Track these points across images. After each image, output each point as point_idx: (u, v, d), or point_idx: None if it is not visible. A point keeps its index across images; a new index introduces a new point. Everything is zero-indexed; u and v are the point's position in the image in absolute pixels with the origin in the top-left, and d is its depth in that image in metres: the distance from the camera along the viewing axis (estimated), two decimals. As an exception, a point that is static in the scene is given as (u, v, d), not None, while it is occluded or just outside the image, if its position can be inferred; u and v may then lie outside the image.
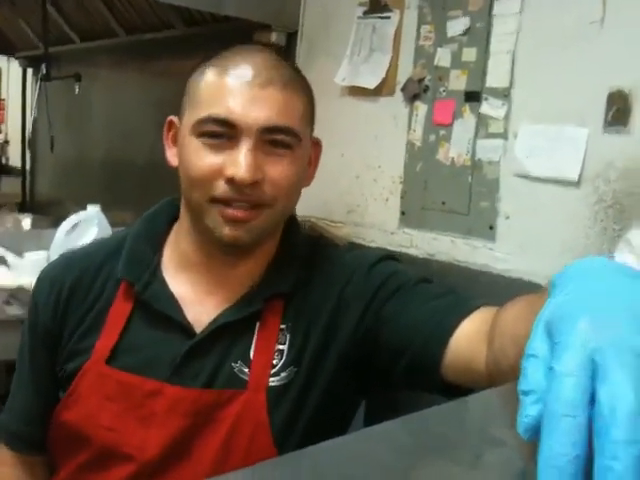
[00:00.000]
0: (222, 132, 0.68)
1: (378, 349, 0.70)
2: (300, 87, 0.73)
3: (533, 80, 1.31)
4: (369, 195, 1.64)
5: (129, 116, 2.66)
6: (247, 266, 0.74)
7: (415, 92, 1.51)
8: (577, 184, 1.23)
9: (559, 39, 1.27)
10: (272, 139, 0.69)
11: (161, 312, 0.71)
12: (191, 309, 0.72)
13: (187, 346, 0.70)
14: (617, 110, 1.17)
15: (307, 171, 0.77)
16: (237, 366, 0.70)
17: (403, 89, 1.53)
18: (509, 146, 1.35)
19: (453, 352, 0.63)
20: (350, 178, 1.69)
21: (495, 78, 1.36)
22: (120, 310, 0.72)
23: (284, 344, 0.71)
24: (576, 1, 1.24)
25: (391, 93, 1.56)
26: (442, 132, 1.46)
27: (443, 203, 1.47)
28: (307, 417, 0.70)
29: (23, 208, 3.47)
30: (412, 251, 1.54)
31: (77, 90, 2.43)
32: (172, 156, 0.75)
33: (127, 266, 0.73)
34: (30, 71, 3.36)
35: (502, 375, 0.51)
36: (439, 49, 1.46)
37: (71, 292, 0.75)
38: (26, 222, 3.00)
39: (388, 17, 1.56)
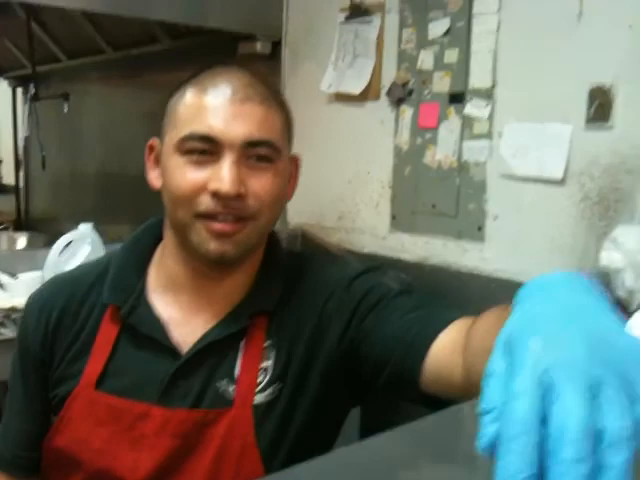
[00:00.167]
0: (205, 148, 0.69)
1: (360, 362, 0.71)
2: (278, 104, 0.74)
3: (515, 78, 1.32)
4: (360, 200, 1.66)
5: (120, 130, 2.68)
6: (231, 283, 0.75)
7: (400, 96, 1.52)
8: (562, 182, 1.24)
9: (538, 35, 1.28)
10: (254, 153, 0.70)
11: (147, 335, 0.72)
12: (177, 330, 0.73)
13: (173, 368, 0.71)
14: (599, 105, 1.19)
15: (288, 186, 0.78)
16: (223, 384, 0.71)
17: (388, 93, 1.55)
18: (494, 146, 1.36)
19: (431, 364, 0.64)
20: (340, 184, 1.70)
21: (478, 78, 1.37)
22: (107, 335, 0.73)
23: (269, 361, 0.72)
24: (554, -1, 1.25)
25: (376, 98, 1.58)
26: (428, 135, 1.47)
27: (433, 206, 1.48)
28: (294, 432, 0.71)
29: (18, 226, 3.49)
30: (404, 255, 1.55)
31: (66, 109, 2.44)
32: (154, 178, 0.76)
33: (112, 291, 0.74)
34: (19, 90, 3.39)
35: (475, 388, 0.52)
36: (421, 51, 1.47)
37: (59, 318, 0.76)
38: (21, 240, 3.02)
39: (369, 22, 1.58)
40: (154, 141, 0.76)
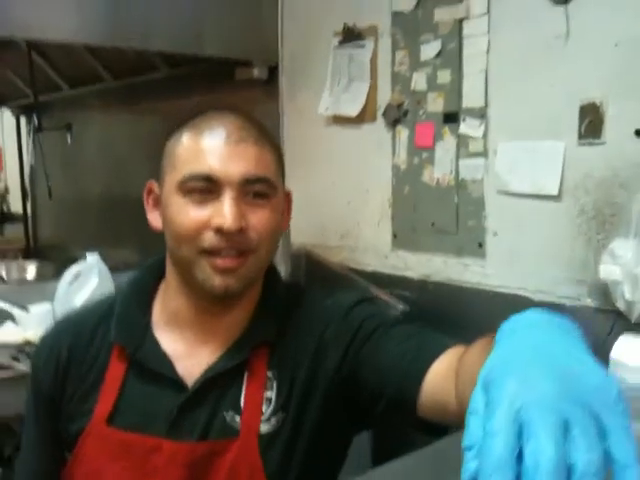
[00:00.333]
0: (205, 188, 0.73)
1: (358, 389, 0.74)
2: (269, 144, 0.78)
3: (507, 97, 1.36)
4: (361, 219, 1.69)
5: (122, 156, 2.74)
6: (233, 316, 0.79)
7: (395, 117, 1.56)
8: (558, 197, 1.27)
9: (528, 55, 1.32)
10: (251, 190, 0.74)
11: (154, 370, 0.76)
12: (182, 363, 0.77)
13: (180, 401, 0.75)
14: (590, 122, 1.22)
15: (283, 220, 0.82)
16: (229, 415, 0.75)
17: (384, 114, 1.59)
18: (490, 164, 1.40)
19: (427, 391, 0.67)
20: (342, 204, 1.74)
21: (471, 98, 1.41)
22: (115, 372, 0.77)
23: (271, 391, 0.76)
24: (540, 17, 1.29)
25: (373, 119, 1.62)
26: (425, 154, 1.51)
27: (432, 224, 1.51)
28: (300, 459, 0.74)
29: (27, 253, 3.56)
30: (407, 273, 1.58)
31: (69, 140, 2.51)
32: (154, 219, 0.80)
33: (119, 330, 0.78)
34: (23, 119, 3.46)
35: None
36: (414, 73, 1.51)
37: (69, 358, 0.80)
38: (31, 269, 3.08)
39: (363, 45, 1.62)
40: (152, 184, 0.80)
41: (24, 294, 1.95)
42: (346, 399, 0.75)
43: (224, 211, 0.71)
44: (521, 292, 1.35)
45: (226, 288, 0.73)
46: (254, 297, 0.81)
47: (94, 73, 2.47)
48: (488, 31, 1.37)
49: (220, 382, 0.75)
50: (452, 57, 1.44)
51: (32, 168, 3.53)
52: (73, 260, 2.90)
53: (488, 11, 1.37)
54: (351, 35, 1.64)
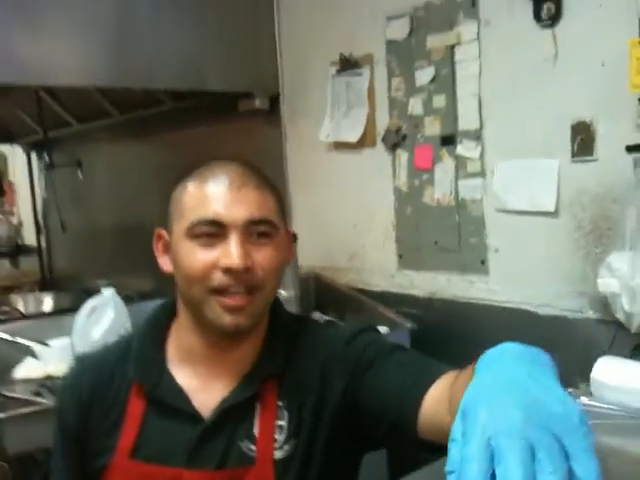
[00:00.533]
0: (212, 231, 0.79)
1: (360, 417, 0.79)
2: (269, 187, 0.85)
3: (501, 119, 1.42)
4: (366, 242, 1.75)
5: (131, 187, 2.83)
6: (242, 350, 0.84)
7: (395, 141, 1.62)
8: (555, 213, 1.32)
9: (518, 77, 1.37)
10: (255, 231, 0.80)
11: (171, 405, 0.81)
12: (197, 397, 0.82)
13: (198, 432, 0.80)
14: (582, 140, 1.27)
15: (285, 256, 0.87)
16: (244, 444, 0.80)
17: (383, 139, 1.65)
18: (488, 183, 1.45)
19: (424, 414, 0.72)
20: (347, 227, 1.79)
21: (466, 121, 1.47)
22: (135, 408, 0.83)
23: (283, 419, 0.81)
24: (528, 41, 1.34)
25: (373, 144, 1.68)
26: (425, 176, 1.57)
27: (436, 243, 1.56)
28: None
29: (43, 285, 3.65)
30: (414, 291, 1.63)
31: (80, 175, 2.59)
32: (164, 263, 0.86)
33: (137, 369, 0.84)
34: (34, 154, 3.57)
35: None
36: (411, 99, 1.57)
37: (90, 397, 0.86)
38: (47, 301, 3.16)
39: (360, 73, 1.69)
40: (160, 231, 0.86)
41: (42, 328, 2.02)
42: (348, 425, 0.80)
43: (231, 251, 0.77)
44: (525, 306, 1.39)
45: (236, 326, 0.79)
46: (261, 331, 0.86)
47: (102, 109, 2.56)
48: (479, 56, 1.43)
49: (234, 414, 0.81)
50: (446, 82, 1.50)
51: (44, 202, 3.63)
52: (88, 290, 2.99)
53: (478, 37, 1.42)
54: (348, 64, 1.71)
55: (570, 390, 1.08)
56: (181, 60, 1.85)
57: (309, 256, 1.83)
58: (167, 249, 0.85)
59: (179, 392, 0.82)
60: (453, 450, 0.43)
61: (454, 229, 1.52)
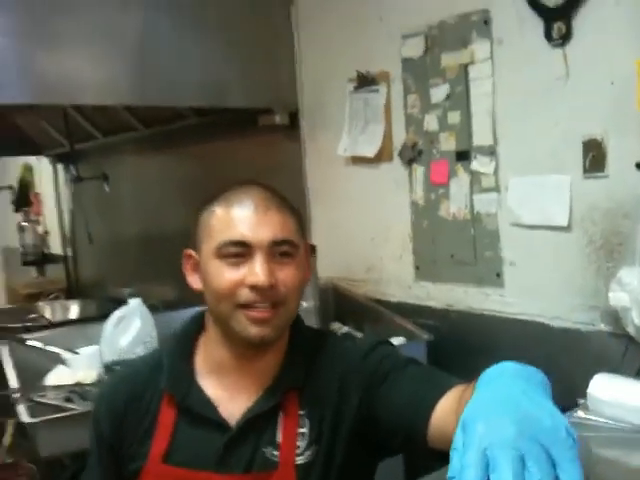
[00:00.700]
0: (239, 252, 0.87)
1: (374, 428, 0.86)
2: (290, 210, 0.92)
3: (514, 135, 1.47)
4: (384, 254, 1.81)
5: (155, 198, 2.93)
6: (266, 361, 0.92)
7: (411, 156, 1.68)
8: (568, 228, 1.37)
9: (531, 95, 1.42)
10: (278, 251, 0.87)
11: (201, 414, 0.89)
12: (224, 407, 0.90)
13: (225, 439, 0.87)
14: (593, 157, 1.32)
15: (305, 275, 0.95)
16: (268, 450, 0.87)
17: (400, 154, 1.71)
18: (502, 198, 1.50)
19: (435, 425, 0.78)
20: (365, 240, 1.86)
21: (480, 137, 1.52)
22: (167, 417, 0.90)
23: (304, 427, 0.88)
24: (540, 61, 1.40)
25: (390, 159, 1.74)
26: (441, 190, 1.62)
27: (452, 256, 1.62)
28: None
29: (69, 293, 3.78)
30: (430, 303, 1.68)
31: (107, 189, 2.70)
32: (194, 281, 0.93)
33: (168, 381, 0.91)
34: (60, 166, 3.71)
35: None
36: (426, 115, 1.63)
37: (124, 407, 0.93)
38: (74, 308, 3.28)
39: (376, 90, 1.75)
40: (189, 252, 0.94)
41: (69, 336, 2.12)
42: (364, 435, 0.87)
43: (257, 270, 0.85)
44: (539, 319, 1.44)
45: (262, 337, 0.87)
46: (283, 344, 0.93)
47: (127, 123, 2.66)
48: (492, 74, 1.49)
49: (258, 422, 0.88)
50: (460, 99, 1.55)
51: (70, 212, 3.76)
52: (113, 299, 3.10)
53: (491, 56, 1.48)
54: (365, 81, 1.77)
55: (582, 401, 1.13)
56: (203, 78, 1.93)
57: (328, 268, 1.90)
58: (196, 268, 0.93)
59: (207, 402, 0.90)
60: (454, 458, 0.50)
61: (470, 242, 1.57)
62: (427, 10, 1.61)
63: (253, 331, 0.86)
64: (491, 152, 1.51)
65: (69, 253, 3.91)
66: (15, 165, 4.56)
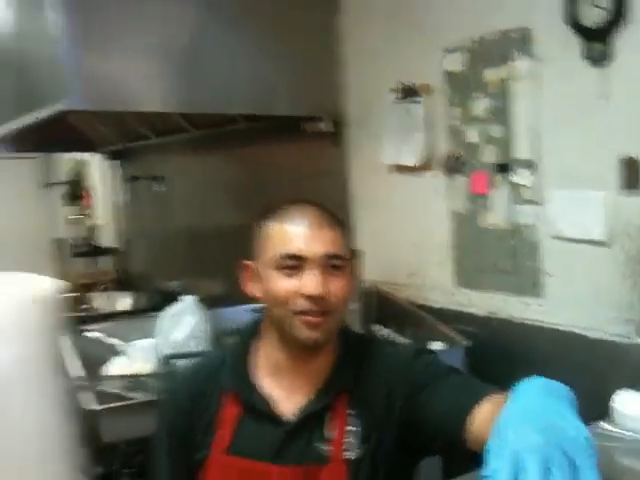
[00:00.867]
0: (294, 264, 0.99)
1: (417, 430, 0.97)
2: (340, 226, 1.04)
3: (553, 150, 1.54)
4: (425, 260, 1.90)
5: (204, 196, 3.09)
6: (318, 363, 1.04)
7: (452, 166, 1.77)
8: (604, 243, 1.44)
9: (571, 113, 1.49)
10: (329, 264, 1.00)
11: (260, 410, 1.02)
12: (280, 404, 1.03)
13: (282, 434, 1.00)
14: (629, 174, 1.38)
15: (353, 286, 1.07)
16: (319, 445, 1.00)
17: (441, 164, 1.80)
18: (542, 210, 1.57)
19: (473, 430, 0.89)
20: (407, 245, 1.96)
21: (520, 151, 1.60)
22: (230, 413, 1.04)
23: (353, 426, 1.00)
24: (580, 80, 1.46)
25: (431, 169, 1.83)
26: (481, 200, 1.71)
27: (492, 265, 1.71)
28: None
29: (119, 285, 4.00)
30: (472, 310, 1.78)
31: (162, 188, 2.86)
32: (252, 289, 1.07)
33: (233, 380, 1.05)
34: (112, 163, 3.91)
35: None
36: (467, 127, 1.72)
37: (190, 402, 1.07)
38: (126, 300, 3.49)
39: (419, 101, 1.84)
40: (247, 263, 1.07)
41: (124, 328, 2.30)
42: (406, 439, 0.98)
43: (311, 282, 0.97)
44: (576, 330, 1.52)
45: (315, 340, 1.00)
46: (333, 347, 1.06)
47: (179, 125, 2.82)
48: (533, 90, 1.56)
49: (311, 419, 1.01)
50: (501, 113, 1.63)
51: (121, 207, 3.97)
52: (162, 291, 3.29)
53: (532, 72, 1.55)
54: (408, 92, 1.87)
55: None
56: (252, 86, 2.06)
57: (371, 271, 2.00)
58: (253, 277, 1.06)
59: (267, 399, 1.03)
60: (488, 460, 0.61)
61: (509, 252, 1.65)
62: (469, 26, 1.69)
63: (307, 334, 0.99)
64: (531, 165, 1.58)
65: (119, 246, 4.13)
66: (66, 161, 4.81)
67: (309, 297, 0.98)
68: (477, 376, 1.02)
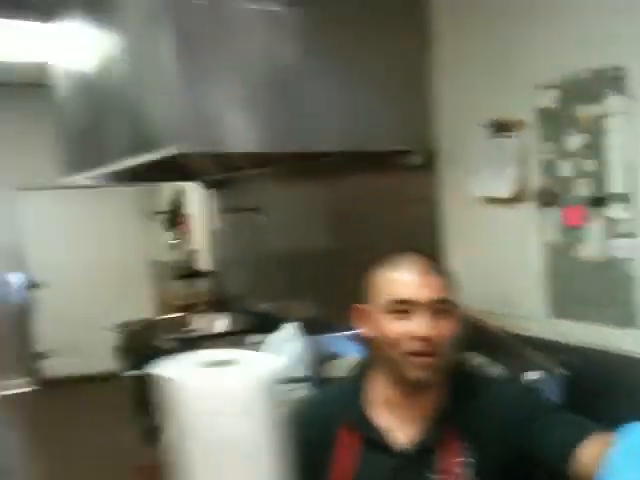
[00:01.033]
0: (405, 308, 1.13)
1: (524, 462, 1.07)
2: (444, 273, 1.17)
3: (650, 185, 1.58)
4: (519, 290, 1.97)
5: (296, 224, 3.28)
6: (426, 399, 1.16)
7: (545, 200, 1.83)
8: None
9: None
10: (437, 308, 1.13)
11: (375, 441, 1.15)
12: (393, 436, 1.16)
13: (395, 464, 1.13)
14: None
15: (457, 324, 1.18)
16: (431, 475, 1.11)
17: (533, 197, 1.87)
18: (637, 244, 1.61)
19: (575, 467, 0.98)
20: (502, 276, 2.03)
21: (615, 185, 1.65)
22: (347, 441, 1.18)
23: (466, 458, 1.11)
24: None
25: (524, 201, 1.91)
26: (575, 233, 1.76)
27: (586, 296, 1.75)
28: None
29: (214, 305, 4.27)
30: (567, 340, 1.82)
31: (260, 220, 3.07)
32: (364, 330, 1.20)
33: (349, 413, 1.19)
34: (210, 192, 4.21)
35: None
36: (561, 162, 1.78)
37: (316, 436, 1.21)
38: (223, 322, 3.73)
39: (511, 136, 1.92)
40: (358, 306, 1.21)
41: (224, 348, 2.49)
42: (513, 469, 1.08)
43: (422, 325, 1.10)
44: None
45: (424, 379, 1.12)
46: (442, 383, 1.18)
47: (275, 158, 3.02)
48: (627, 128, 1.61)
49: (423, 451, 1.13)
50: (595, 149, 1.69)
51: (218, 232, 4.25)
52: (257, 313, 3.52)
53: (626, 110, 1.60)
54: (501, 127, 1.95)
55: None
56: (346, 123, 2.19)
57: (470, 299, 2.08)
58: (365, 319, 1.20)
59: (378, 430, 1.16)
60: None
61: (604, 284, 1.70)
62: (562, 64, 1.76)
63: (416, 374, 1.12)
64: (626, 200, 1.63)
65: (215, 269, 4.42)
66: (166, 189, 5.20)
67: (420, 339, 1.11)
68: (573, 406, 1.11)
